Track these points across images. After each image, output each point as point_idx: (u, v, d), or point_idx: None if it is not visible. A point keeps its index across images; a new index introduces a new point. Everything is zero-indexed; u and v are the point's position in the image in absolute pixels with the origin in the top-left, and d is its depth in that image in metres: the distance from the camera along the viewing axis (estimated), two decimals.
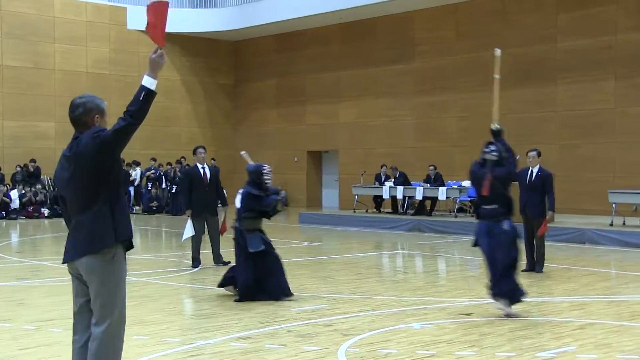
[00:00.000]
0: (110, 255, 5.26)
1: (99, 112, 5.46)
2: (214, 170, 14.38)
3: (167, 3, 6.03)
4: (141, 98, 5.14)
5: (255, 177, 11.04)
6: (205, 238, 14.14)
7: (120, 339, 5.41)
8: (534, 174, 13.33)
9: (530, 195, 13.25)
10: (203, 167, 14.15)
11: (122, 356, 5.45)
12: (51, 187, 29.05)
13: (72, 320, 5.46)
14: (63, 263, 5.38)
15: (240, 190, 12.70)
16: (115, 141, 5.20)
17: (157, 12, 5.97)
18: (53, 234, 21.63)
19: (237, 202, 12.83)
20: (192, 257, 14.02)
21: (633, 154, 23.69)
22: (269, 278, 10.65)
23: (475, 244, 9.58)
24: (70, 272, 5.42)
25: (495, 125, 9.50)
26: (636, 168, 23.39)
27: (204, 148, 14.40)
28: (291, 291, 10.68)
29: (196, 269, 13.78)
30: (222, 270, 11.64)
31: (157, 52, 5.38)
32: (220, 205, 14.70)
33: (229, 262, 13.72)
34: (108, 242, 5.26)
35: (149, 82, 5.21)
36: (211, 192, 14.23)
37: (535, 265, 13.25)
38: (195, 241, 13.97)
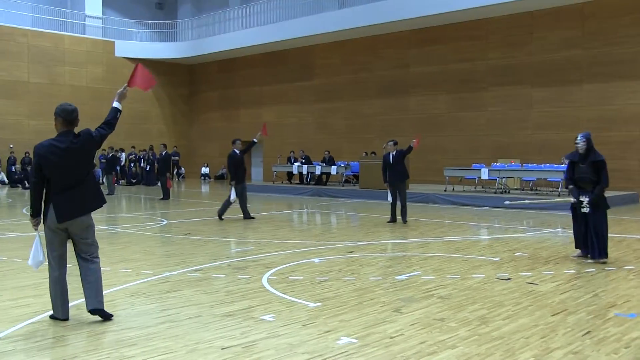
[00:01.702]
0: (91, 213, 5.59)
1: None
2: (242, 153, 14.48)
3: (138, 64, 6.74)
4: (117, 116, 5.84)
5: None
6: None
7: None
8: (393, 156, 13.50)
9: (394, 170, 13.41)
10: (240, 152, 14.37)
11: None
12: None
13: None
14: (62, 222, 5.38)
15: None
16: (101, 141, 5.65)
17: (139, 75, 6.64)
18: None
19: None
20: (223, 209, 14.26)
21: (458, 143, 24.32)
22: None
23: None
24: (54, 228, 5.42)
25: None
26: (460, 152, 24.02)
27: (240, 140, 14.76)
28: None
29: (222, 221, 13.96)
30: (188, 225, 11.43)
31: (125, 89, 6.05)
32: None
33: (254, 217, 14.35)
34: (96, 205, 5.59)
35: (119, 106, 5.92)
36: (244, 168, 14.63)
37: (402, 217, 13.42)
38: (228, 203, 14.16)
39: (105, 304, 5.49)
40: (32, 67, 30.02)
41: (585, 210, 8.56)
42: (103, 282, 7.20)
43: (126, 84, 6.17)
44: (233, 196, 14.02)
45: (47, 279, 5.48)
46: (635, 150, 20.68)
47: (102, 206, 5.65)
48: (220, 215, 14.12)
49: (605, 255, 8.53)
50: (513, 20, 23.24)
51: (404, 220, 13.39)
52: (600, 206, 8.59)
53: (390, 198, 13.47)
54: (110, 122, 5.75)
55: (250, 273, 7.70)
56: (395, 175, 13.42)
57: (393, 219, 13.51)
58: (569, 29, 21.99)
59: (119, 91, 5.98)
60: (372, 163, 21.12)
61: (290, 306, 6.05)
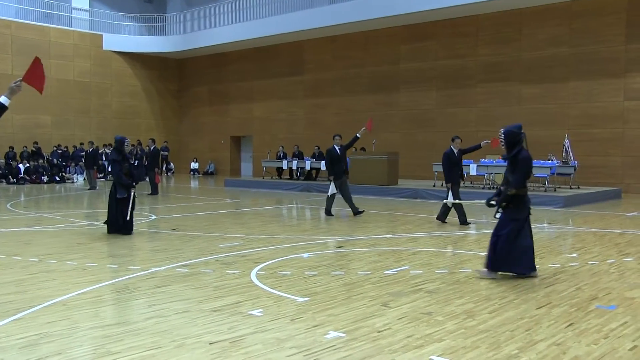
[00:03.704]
0: None
1: None
2: (343, 149, 14.17)
3: (38, 59, 6.19)
4: (1, 113, 5.45)
5: (118, 145, 11.02)
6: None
7: None
8: (458, 153, 12.54)
9: (458, 168, 12.60)
10: (339, 148, 14.06)
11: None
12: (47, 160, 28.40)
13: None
14: None
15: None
16: None
17: (34, 69, 6.02)
18: (50, 195, 20.94)
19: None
20: (327, 210, 14.14)
21: (447, 139, 24.24)
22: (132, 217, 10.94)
23: None
24: None
25: None
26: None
27: (339, 136, 14.37)
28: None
29: (329, 216, 13.92)
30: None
31: (18, 84, 5.54)
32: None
33: (363, 211, 14.15)
34: None
35: (5, 100, 5.48)
36: (343, 164, 14.23)
37: (462, 217, 12.40)
38: (331, 198, 14.07)
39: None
40: (17, 59, 29.32)
41: (498, 215, 7.24)
42: (90, 277, 7.21)
43: (20, 79, 5.68)
44: (331, 191, 13.97)
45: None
46: (618, 147, 20.93)
47: None
48: (328, 212, 14.08)
49: (492, 268, 7.13)
50: (502, 18, 23.33)
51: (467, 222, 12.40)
52: (512, 213, 7.13)
53: (452, 198, 12.18)
54: None
55: (239, 268, 7.70)
56: (459, 174, 12.61)
57: (464, 221, 12.34)
58: (556, 26, 22.11)
59: (11, 85, 5.55)
60: (361, 159, 21.16)
61: (278, 301, 6.07)
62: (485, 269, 7.22)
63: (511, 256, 7.05)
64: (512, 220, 7.09)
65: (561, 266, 7.92)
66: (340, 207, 16.65)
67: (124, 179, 10.90)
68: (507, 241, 7.03)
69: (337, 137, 14.34)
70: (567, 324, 5.29)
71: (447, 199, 12.29)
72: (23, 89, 5.55)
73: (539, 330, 5.11)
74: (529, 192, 7.30)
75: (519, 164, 7.06)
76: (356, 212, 14.03)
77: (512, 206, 7.12)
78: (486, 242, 9.92)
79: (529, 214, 7.24)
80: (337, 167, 14.03)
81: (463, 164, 20.16)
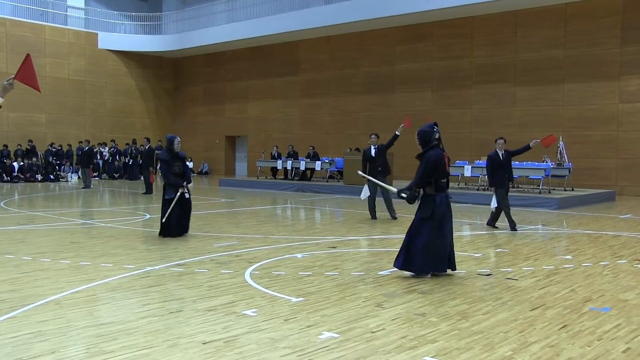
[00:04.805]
0: None
1: None
2: (379, 149, 13.45)
3: (29, 55, 5.92)
4: None
5: (168, 144, 10.72)
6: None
7: None
8: (504, 156, 11.78)
9: (505, 172, 11.70)
10: (375, 148, 13.43)
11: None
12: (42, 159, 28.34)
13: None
14: None
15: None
16: None
17: (26, 67, 5.77)
18: (44, 193, 20.86)
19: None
20: (370, 209, 13.50)
21: (442, 140, 24.31)
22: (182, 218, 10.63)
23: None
24: None
25: None
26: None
27: (376, 135, 13.68)
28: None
29: (374, 220, 13.30)
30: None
31: (10, 82, 5.22)
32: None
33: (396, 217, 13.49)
34: None
35: None
36: (378, 165, 13.42)
37: (511, 224, 11.72)
38: (371, 199, 13.44)
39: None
40: (11, 57, 29.04)
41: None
42: (83, 276, 7.19)
43: (13, 77, 5.47)
44: (363, 194, 13.39)
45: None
46: (613, 149, 20.97)
47: None
48: (372, 214, 13.48)
49: (402, 266, 7.35)
50: (498, 19, 23.37)
51: (515, 228, 11.64)
52: (422, 211, 7.42)
53: (496, 203, 11.61)
54: None
55: (233, 268, 7.69)
56: (505, 177, 11.73)
57: (513, 227, 11.66)
58: (552, 28, 22.16)
59: (3, 83, 5.35)
60: (356, 159, 21.15)
61: (272, 301, 6.06)
62: (396, 267, 7.41)
63: (427, 255, 7.23)
64: (424, 220, 7.32)
65: (555, 268, 7.93)
66: (337, 207, 16.64)
67: (171, 179, 10.52)
68: (423, 241, 7.24)
69: (373, 137, 13.62)
70: (561, 326, 5.30)
71: (492, 204, 11.76)
72: (16, 87, 5.37)
73: (533, 332, 5.12)
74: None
75: (423, 162, 7.34)
76: (373, 212, 13.55)
77: (422, 204, 7.40)
78: (481, 244, 9.98)
79: (445, 212, 7.40)
80: (370, 167, 13.31)
81: (458, 164, 20.36)
